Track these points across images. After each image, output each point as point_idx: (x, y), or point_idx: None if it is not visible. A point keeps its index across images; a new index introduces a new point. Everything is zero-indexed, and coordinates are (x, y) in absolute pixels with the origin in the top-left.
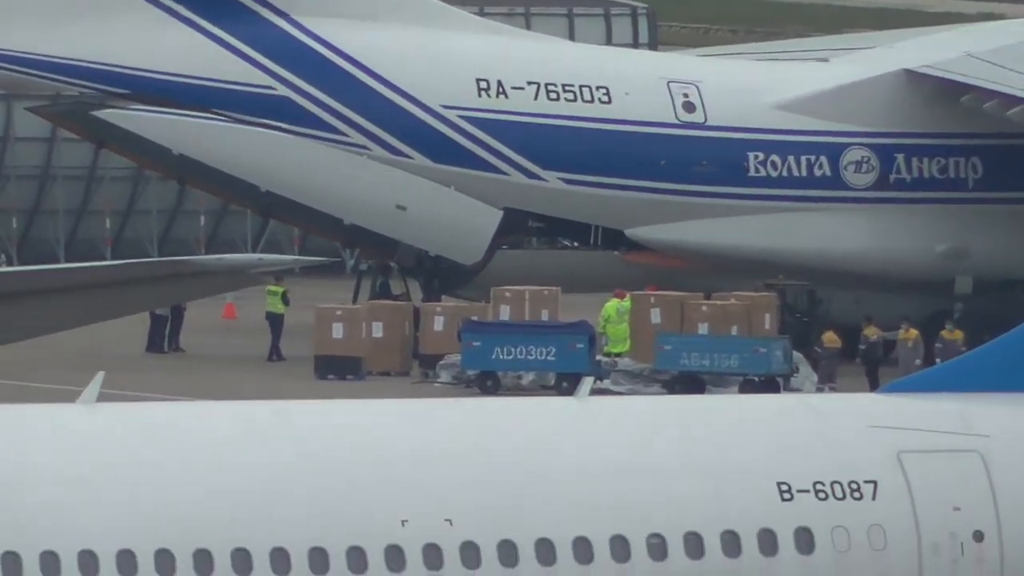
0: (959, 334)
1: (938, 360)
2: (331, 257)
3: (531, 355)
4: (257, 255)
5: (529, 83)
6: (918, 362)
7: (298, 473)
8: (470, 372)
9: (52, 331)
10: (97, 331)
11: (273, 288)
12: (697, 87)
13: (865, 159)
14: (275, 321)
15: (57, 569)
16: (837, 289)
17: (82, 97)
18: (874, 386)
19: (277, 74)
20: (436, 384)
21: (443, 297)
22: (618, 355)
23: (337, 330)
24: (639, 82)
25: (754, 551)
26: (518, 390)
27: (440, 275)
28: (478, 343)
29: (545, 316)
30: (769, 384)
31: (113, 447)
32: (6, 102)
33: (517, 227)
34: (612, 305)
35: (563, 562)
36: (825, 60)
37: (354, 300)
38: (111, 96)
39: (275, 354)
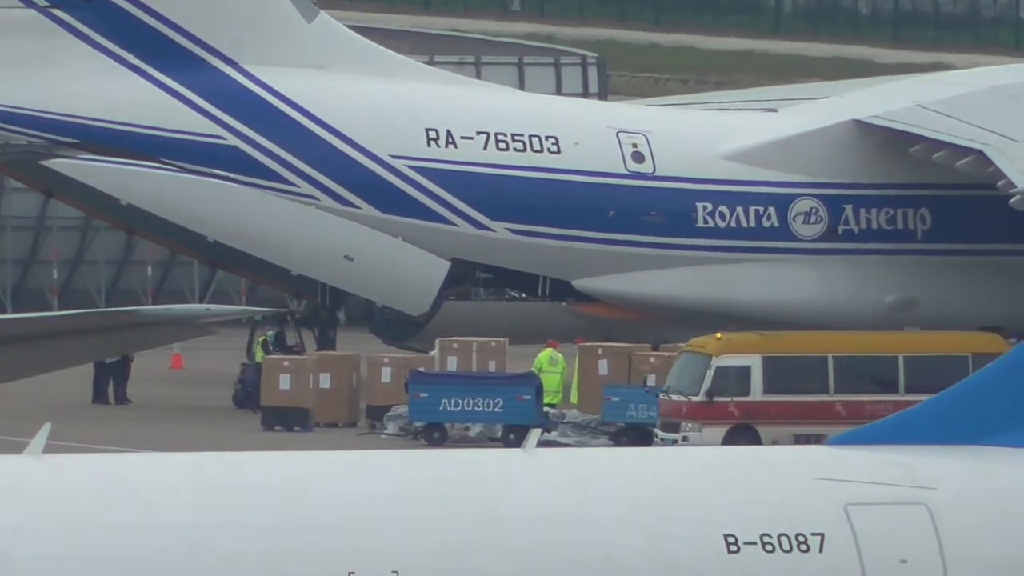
0: None
1: None
2: (278, 307)
3: (478, 407)
4: (205, 305)
5: (478, 133)
6: None
7: (246, 525)
8: (417, 424)
9: None
10: (43, 382)
11: (260, 337)
12: (646, 137)
13: (814, 210)
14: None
15: None
16: None
17: (31, 146)
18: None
19: (226, 123)
20: (383, 436)
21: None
22: (551, 406)
23: (284, 381)
24: (588, 132)
25: None
26: (465, 442)
27: (334, 325)
28: (425, 394)
29: (492, 367)
30: None
31: (61, 499)
32: None
33: (465, 278)
34: (545, 355)
35: None
36: (774, 111)
37: (248, 351)
38: (60, 145)
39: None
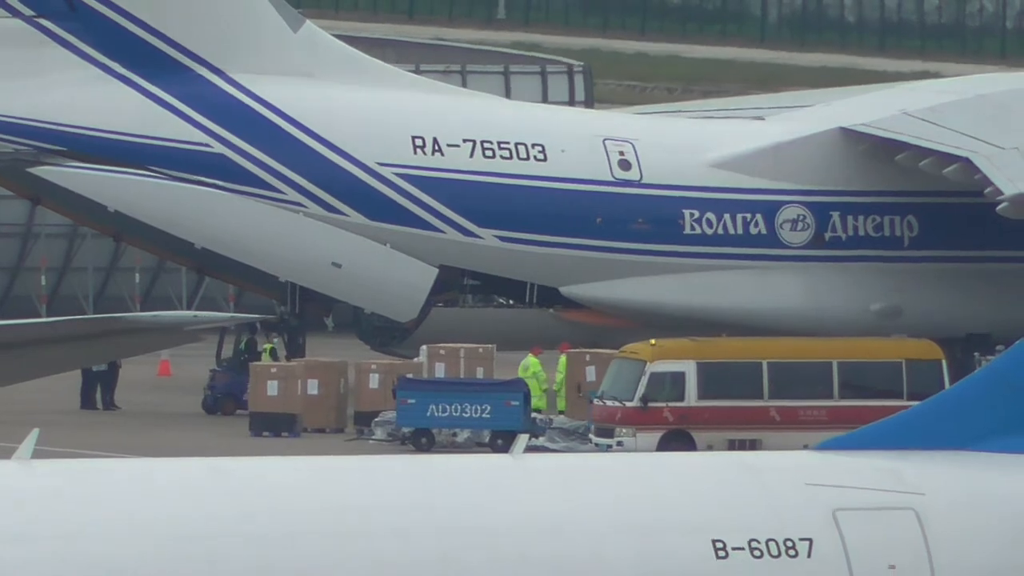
0: None
1: None
2: (266, 314)
3: (466, 412)
4: (192, 312)
5: (465, 140)
6: None
7: (234, 532)
8: (405, 429)
9: None
10: (31, 388)
11: (266, 345)
12: (633, 145)
13: (801, 217)
14: None
15: None
16: None
17: (17, 154)
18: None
19: (213, 131)
20: (371, 441)
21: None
22: (536, 410)
23: (272, 387)
24: (575, 140)
25: None
26: (453, 447)
27: (304, 332)
28: (413, 400)
29: (480, 374)
30: None
31: (50, 504)
32: None
33: (452, 284)
34: (523, 365)
35: None
36: (761, 118)
37: (217, 358)
38: (47, 153)
39: None
